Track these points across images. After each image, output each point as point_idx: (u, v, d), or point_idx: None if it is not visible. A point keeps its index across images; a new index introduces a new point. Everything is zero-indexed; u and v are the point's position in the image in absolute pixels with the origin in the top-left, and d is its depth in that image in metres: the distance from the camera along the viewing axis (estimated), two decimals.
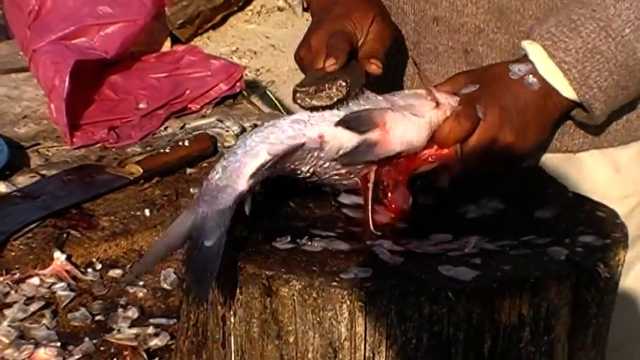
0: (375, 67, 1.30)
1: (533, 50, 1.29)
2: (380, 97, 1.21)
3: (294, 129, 1.15)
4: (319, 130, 1.15)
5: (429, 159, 1.21)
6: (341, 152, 1.15)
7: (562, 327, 1.09)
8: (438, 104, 1.21)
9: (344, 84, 1.17)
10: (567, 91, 1.28)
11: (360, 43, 1.33)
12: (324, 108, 1.17)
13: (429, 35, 1.48)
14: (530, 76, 1.27)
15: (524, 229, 1.18)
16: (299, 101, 1.17)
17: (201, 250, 1.09)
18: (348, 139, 1.15)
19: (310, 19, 1.48)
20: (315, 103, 1.17)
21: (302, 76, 1.29)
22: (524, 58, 1.30)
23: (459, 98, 1.24)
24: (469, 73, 1.32)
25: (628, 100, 1.34)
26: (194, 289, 1.15)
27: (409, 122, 1.18)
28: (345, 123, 1.15)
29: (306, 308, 1.06)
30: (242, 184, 1.12)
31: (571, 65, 1.27)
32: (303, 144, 1.14)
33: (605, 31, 1.27)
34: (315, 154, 1.15)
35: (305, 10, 1.49)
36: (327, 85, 1.17)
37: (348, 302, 1.04)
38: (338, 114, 1.16)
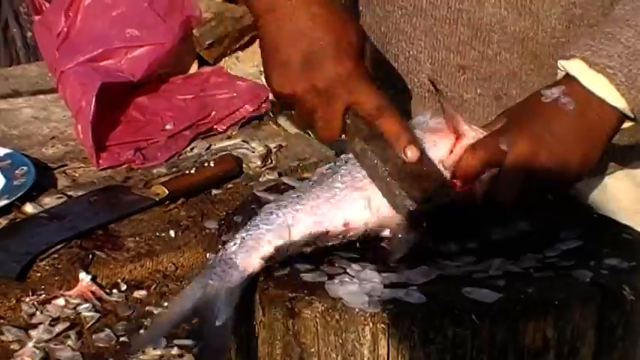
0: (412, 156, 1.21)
1: (573, 65, 1.25)
2: None
3: (320, 213, 1.15)
4: (344, 218, 1.15)
5: (455, 194, 1.19)
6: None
7: (587, 350, 1.09)
8: (458, 137, 1.19)
9: (449, 191, 1.17)
10: (614, 98, 1.23)
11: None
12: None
13: (451, 84, 1.45)
14: (564, 96, 1.22)
15: (549, 251, 1.17)
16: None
17: (211, 329, 1.11)
18: (380, 225, 1.17)
19: None
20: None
21: None
22: (558, 82, 1.26)
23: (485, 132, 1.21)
24: (506, 112, 1.26)
25: None
26: None
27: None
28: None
29: (328, 330, 1.06)
30: (254, 265, 1.12)
31: (616, 70, 1.22)
32: (328, 232, 1.15)
33: None
34: (340, 236, 1.16)
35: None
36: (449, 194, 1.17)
37: (371, 324, 1.04)
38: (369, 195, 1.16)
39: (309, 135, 2.25)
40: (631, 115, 1.24)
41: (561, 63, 1.27)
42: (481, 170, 1.18)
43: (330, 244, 1.16)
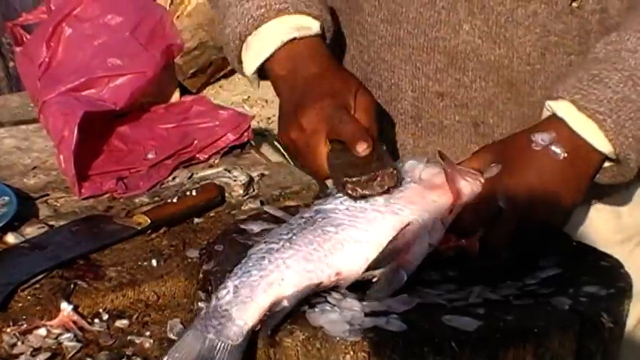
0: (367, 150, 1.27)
1: (561, 107, 1.26)
2: (402, 203, 1.18)
3: (311, 259, 1.13)
4: (337, 269, 1.13)
5: (449, 251, 1.20)
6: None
7: None
8: (457, 197, 1.19)
9: (395, 172, 1.19)
10: (602, 144, 1.25)
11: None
12: (374, 196, 1.18)
13: (432, 110, 1.47)
14: (556, 145, 1.23)
15: (528, 279, 1.18)
16: (350, 192, 1.17)
17: None
18: (370, 274, 1.15)
19: None
20: (366, 192, 1.18)
21: None
22: (548, 124, 1.27)
23: (482, 179, 1.21)
24: (492, 149, 1.28)
25: None
26: None
27: (427, 233, 1.16)
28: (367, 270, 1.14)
29: (309, 359, 1.06)
30: (253, 318, 1.09)
31: (606, 115, 1.23)
32: (320, 283, 1.13)
33: (632, 80, 1.25)
34: (333, 285, 1.15)
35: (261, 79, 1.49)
36: (379, 173, 1.18)
37: (352, 352, 1.04)
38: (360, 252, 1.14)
39: (290, 162, 2.26)
40: (614, 157, 1.26)
41: (549, 103, 1.28)
42: (480, 226, 1.19)
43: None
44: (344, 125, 1.28)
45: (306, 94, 1.33)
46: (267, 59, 1.44)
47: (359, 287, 1.15)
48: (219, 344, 1.07)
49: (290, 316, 1.09)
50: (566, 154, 1.23)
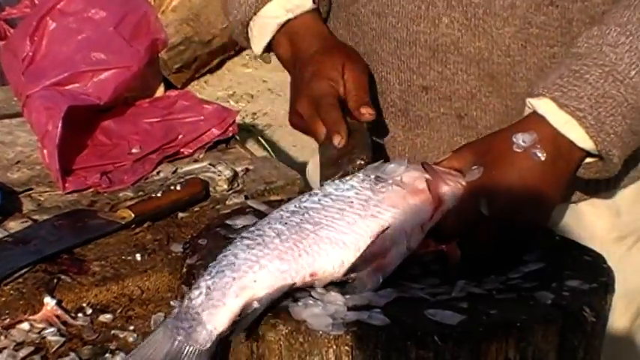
0: (367, 115, 1.32)
1: (542, 104, 1.26)
2: (386, 201, 1.17)
3: (285, 259, 1.11)
4: (312, 269, 1.12)
5: (428, 255, 1.20)
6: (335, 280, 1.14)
7: None
8: (439, 203, 1.18)
9: (362, 162, 1.23)
10: (583, 141, 1.25)
11: (342, 94, 1.34)
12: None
13: (418, 103, 1.48)
14: (536, 149, 1.23)
15: (512, 273, 1.18)
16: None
17: None
18: (345, 276, 1.13)
19: None
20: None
21: None
22: (528, 122, 1.26)
23: (463, 183, 1.21)
24: (473, 148, 1.27)
25: (637, 146, 1.31)
26: None
27: (406, 237, 1.15)
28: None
29: (292, 352, 1.07)
30: (223, 323, 1.08)
31: (586, 112, 1.23)
32: (294, 284, 1.12)
33: (612, 76, 1.25)
34: (307, 285, 1.13)
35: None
36: (349, 168, 1.24)
37: (335, 346, 1.05)
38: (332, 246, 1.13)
39: (273, 156, 2.26)
40: (596, 153, 1.26)
41: (529, 101, 1.28)
42: (462, 234, 1.19)
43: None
44: (325, 115, 1.31)
45: (298, 79, 1.38)
46: (271, 42, 1.51)
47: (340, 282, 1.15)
48: (187, 348, 1.07)
49: (261, 316, 1.08)
50: (546, 156, 1.23)
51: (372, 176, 1.18)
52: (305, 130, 1.38)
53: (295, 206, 1.17)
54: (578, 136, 1.25)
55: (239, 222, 1.31)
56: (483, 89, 1.42)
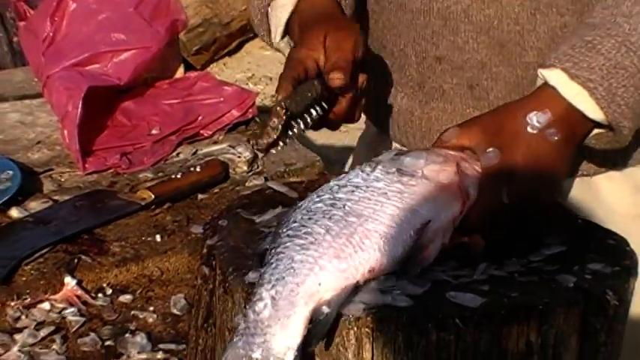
0: (336, 81, 1.29)
1: (553, 75, 1.24)
2: (416, 200, 1.15)
3: (343, 257, 1.07)
4: (369, 265, 1.08)
5: (454, 248, 1.17)
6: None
7: (570, 355, 1.09)
8: (465, 198, 1.17)
9: (276, 121, 1.25)
10: (594, 112, 1.23)
11: (322, 62, 1.33)
12: (272, 144, 1.25)
13: (432, 75, 1.48)
14: (551, 129, 1.21)
15: (533, 256, 1.18)
16: (255, 148, 1.21)
17: None
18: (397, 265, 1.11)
19: None
20: (263, 141, 1.25)
21: None
22: (541, 97, 1.25)
23: (479, 169, 1.19)
24: (483, 125, 1.24)
25: None
26: None
27: (442, 232, 1.14)
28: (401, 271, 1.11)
29: None
30: (299, 332, 1.02)
31: (597, 83, 1.22)
32: (357, 283, 1.08)
33: (625, 46, 1.23)
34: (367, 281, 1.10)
35: None
36: (268, 125, 1.25)
37: (355, 329, 1.04)
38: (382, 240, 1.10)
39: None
40: (606, 124, 1.25)
41: (541, 71, 1.26)
42: (487, 223, 1.18)
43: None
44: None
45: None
46: (286, 28, 1.48)
47: None
48: None
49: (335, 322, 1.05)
50: (560, 135, 1.21)
51: (394, 169, 1.17)
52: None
53: (330, 198, 1.14)
54: (589, 107, 1.23)
55: (276, 223, 1.27)
56: (494, 58, 1.42)
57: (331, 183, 1.17)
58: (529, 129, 1.22)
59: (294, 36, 1.45)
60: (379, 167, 1.17)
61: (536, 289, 1.09)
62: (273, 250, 1.09)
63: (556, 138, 1.21)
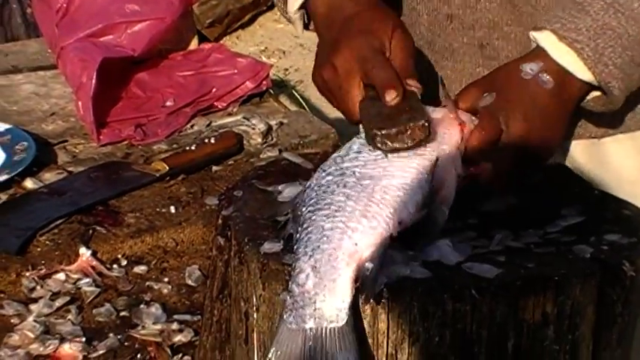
0: (414, 89, 1.24)
1: (543, 37, 1.26)
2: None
3: (370, 216, 1.07)
4: (397, 218, 1.08)
5: (464, 181, 1.18)
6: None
7: (587, 326, 1.09)
8: (462, 125, 1.18)
9: (426, 125, 1.14)
10: (583, 72, 1.24)
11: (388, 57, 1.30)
12: (404, 150, 1.14)
13: (443, 33, 1.48)
14: (544, 74, 1.23)
15: (550, 227, 1.17)
16: (379, 145, 1.13)
17: None
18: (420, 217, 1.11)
19: None
20: (397, 145, 1.14)
21: None
22: (534, 54, 1.27)
23: (477, 115, 1.20)
24: (480, 83, 1.27)
25: None
26: None
27: (453, 164, 1.15)
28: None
29: None
30: (348, 293, 1.02)
31: (584, 44, 1.23)
32: (391, 236, 1.07)
33: (614, 7, 1.25)
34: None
35: (306, 27, 1.46)
36: (409, 126, 1.14)
37: (371, 299, 1.04)
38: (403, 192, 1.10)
39: (307, 111, 2.25)
40: (597, 85, 1.26)
41: (532, 34, 1.28)
42: (490, 149, 1.18)
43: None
44: (377, 70, 1.24)
45: (342, 33, 1.30)
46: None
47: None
48: (323, 331, 1.00)
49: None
50: (552, 84, 1.23)
51: None
52: (334, 88, 1.29)
53: (337, 169, 1.14)
54: (577, 67, 1.24)
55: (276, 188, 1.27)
56: (505, 17, 1.42)
57: (333, 156, 1.17)
58: (522, 75, 1.24)
59: (317, 9, 1.40)
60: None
61: (552, 260, 1.09)
62: (299, 228, 1.09)
63: (548, 85, 1.23)
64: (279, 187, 1.26)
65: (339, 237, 1.05)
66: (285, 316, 1.03)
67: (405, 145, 1.13)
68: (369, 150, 1.15)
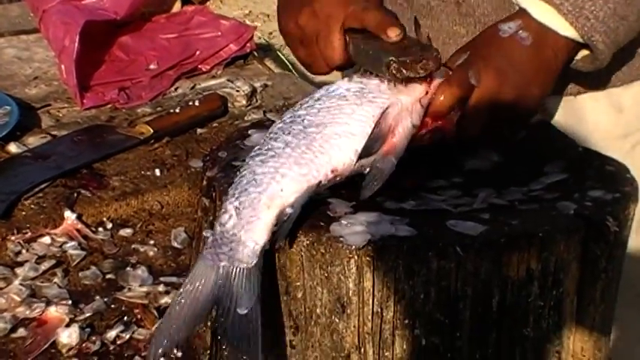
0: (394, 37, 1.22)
1: None
2: (379, 88, 1.16)
3: (303, 163, 1.09)
4: (331, 166, 1.10)
5: (427, 134, 1.19)
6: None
7: (571, 281, 1.09)
8: (430, 78, 1.17)
9: (439, 56, 1.16)
10: (564, 28, 1.24)
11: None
12: (417, 79, 1.16)
13: None
14: (522, 31, 1.23)
15: (534, 184, 1.18)
16: (394, 72, 1.14)
17: (234, 320, 1.03)
18: (361, 165, 1.12)
19: None
20: (410, 74, 1.15)
21: None
22: (515, 14, 1.27)
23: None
24: (464, 46, 1.27)
25: (631, 33, 1.29)
26: None
27: (409, 114, 1.15)
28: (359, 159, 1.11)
29: (313, 264, 1.07)
30: (263, 236, 1.05)
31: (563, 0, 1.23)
32: (319, 183, 1.10)
33: None
34: (332, 182, 1.12)
35: None
36: (425, 55, 1.15)
37: (356, 257, 1.04)
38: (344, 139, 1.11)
39: (294, 73, 2.24)
40: (582, 42, 1.25)
41: None
42: (454, 105, 1.18)
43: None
44: (369, 11, 1.23)
45: None
46: None
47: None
48: (234, 270, 1.04)
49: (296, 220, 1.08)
50: (532, 40, 1.23)
51: (358, 77, 1.18)
52: (310, 34, 1.27)
53: (291, 116, 1.16)
54: (559, 24, 1.24)
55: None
56: None
57: (297, 104, 1.19)
58: (500, 34, 1.24)
59: None
60: (345, 79, 1.18)
61: (536, 217, 1.09)
62: (238, 173, 1.12)
63: (526, 41, 1.23)
64: (249, 131, 1.29)
65: (267, 181, 1.08)
66: (204, 252, 1.07)
67: (418, 75, 1.15)
68: (327, 97, 1.16)
